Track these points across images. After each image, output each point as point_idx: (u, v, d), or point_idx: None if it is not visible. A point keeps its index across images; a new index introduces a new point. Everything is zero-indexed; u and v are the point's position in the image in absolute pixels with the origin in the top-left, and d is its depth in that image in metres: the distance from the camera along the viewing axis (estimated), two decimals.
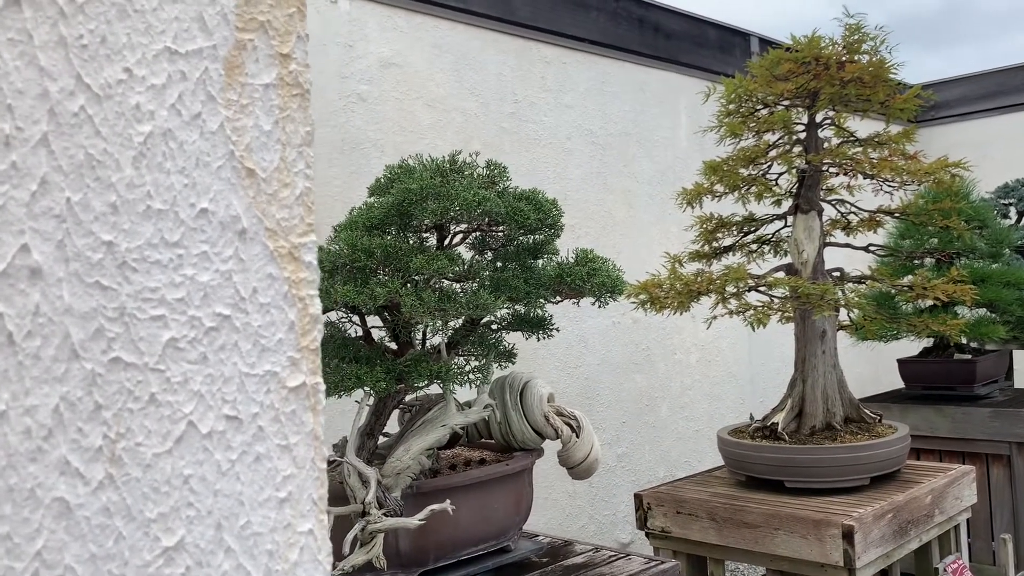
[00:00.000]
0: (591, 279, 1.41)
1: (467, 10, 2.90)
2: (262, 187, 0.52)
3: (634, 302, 2.57)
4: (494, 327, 1.55)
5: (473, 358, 1.51)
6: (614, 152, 3.40)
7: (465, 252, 1.62)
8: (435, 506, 1.31)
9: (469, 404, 1.60)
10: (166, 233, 0.48)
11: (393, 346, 1.60)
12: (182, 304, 0.48)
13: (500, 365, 1.73)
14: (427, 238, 1.51)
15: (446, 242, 1.52)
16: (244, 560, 0.50)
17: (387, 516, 1.30)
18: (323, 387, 0.51)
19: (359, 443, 1.40)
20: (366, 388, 1.30)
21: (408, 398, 1.63)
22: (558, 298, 1.45)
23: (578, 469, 1.74)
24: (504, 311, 1.62)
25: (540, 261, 1.53)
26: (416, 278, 1.33)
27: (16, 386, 0.43)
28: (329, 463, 1.66)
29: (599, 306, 1.49)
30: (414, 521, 1.29)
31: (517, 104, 3.06)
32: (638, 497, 2.53)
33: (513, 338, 1.75)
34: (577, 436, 1.72)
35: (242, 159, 0.51)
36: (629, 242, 3.41)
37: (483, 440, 1.80)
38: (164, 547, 0.47)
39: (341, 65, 2.55)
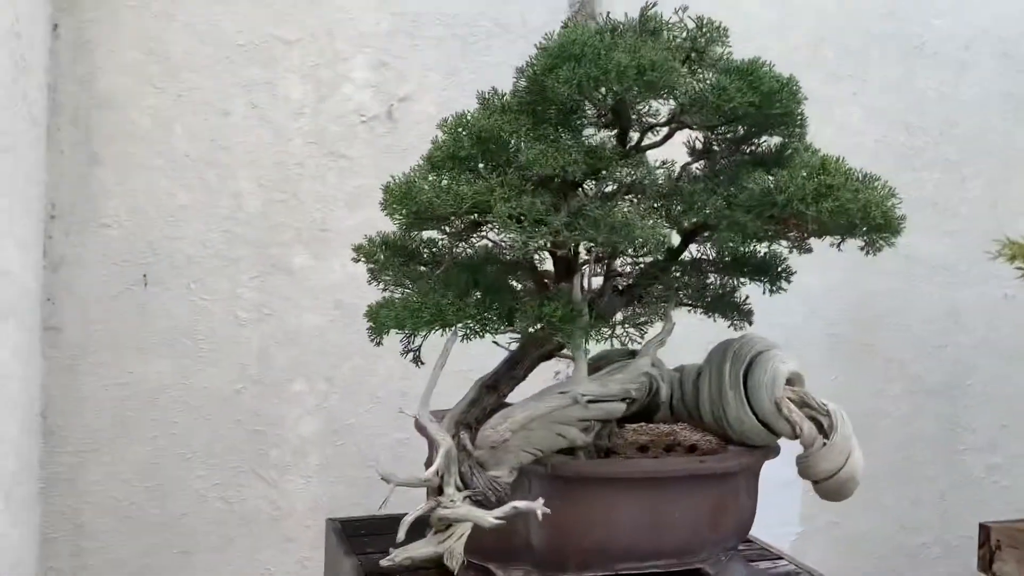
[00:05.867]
0: (820, 202, 0.88)
1: None
2: None
3: (1020, 267, 1.90)
4: (690, 268, 1.09)
5: (659, 301, 1.08)
6: None
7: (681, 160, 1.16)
8: (519, 503, 0.92)
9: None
10: None
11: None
12: None
13: (734, 326, 1.25)
14: (607, 139, 1.09)
15: (634, 144, 1.09)
16: None
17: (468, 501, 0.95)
18: None
19: (474, 396, 1.06)
20: (454, 327, 0.95)
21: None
22: (770, 229, 0.94)
23: (824, 485, 1.21)
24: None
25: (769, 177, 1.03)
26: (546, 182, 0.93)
27: None
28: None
29: (838, 249, 0.96)
30: (489, 518, 0.92)
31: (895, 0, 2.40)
32: (984, 529, 1.86)
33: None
34: (826, 439, 1.18)
35: None
36: None
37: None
38: None
39: None
